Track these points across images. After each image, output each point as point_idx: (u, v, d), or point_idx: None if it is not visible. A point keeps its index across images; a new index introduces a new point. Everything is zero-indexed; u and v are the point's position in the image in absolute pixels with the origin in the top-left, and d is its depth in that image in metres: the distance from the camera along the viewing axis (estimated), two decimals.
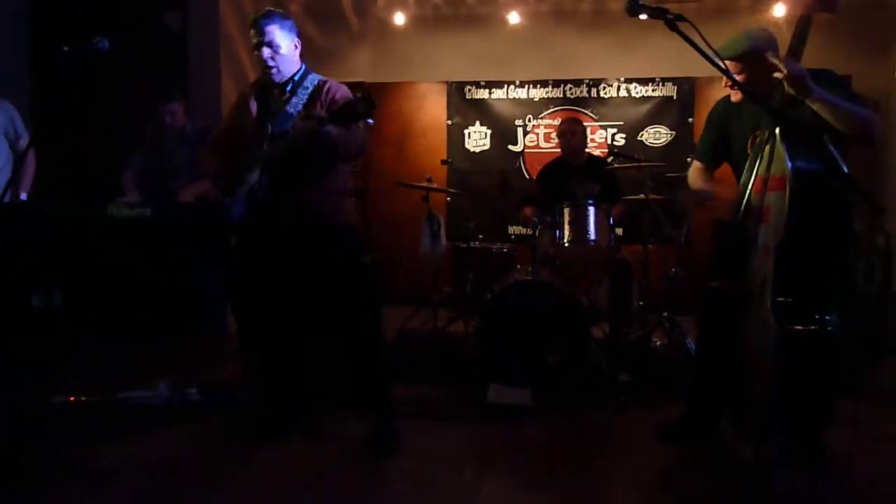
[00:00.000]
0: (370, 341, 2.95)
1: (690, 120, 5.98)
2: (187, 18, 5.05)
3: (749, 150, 2.68)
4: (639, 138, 6.04)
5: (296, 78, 2.85)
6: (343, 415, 3.24)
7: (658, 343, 4.21)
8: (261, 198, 2.79)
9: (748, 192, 2.51)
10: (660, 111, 6.02)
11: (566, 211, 3.85)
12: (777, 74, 2.39)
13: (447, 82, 6.22)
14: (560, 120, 5.93)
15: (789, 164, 2.38)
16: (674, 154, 5.90)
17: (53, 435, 3.00)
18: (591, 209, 3.83)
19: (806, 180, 2.34)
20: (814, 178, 2.35)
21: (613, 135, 6.07)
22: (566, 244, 3.84)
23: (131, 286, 4.38)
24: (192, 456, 2.85)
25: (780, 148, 2.42)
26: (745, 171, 2.60)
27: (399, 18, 6.00)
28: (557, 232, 3.85)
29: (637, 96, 6.04)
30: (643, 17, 2.08)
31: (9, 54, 5.05)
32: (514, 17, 5.94)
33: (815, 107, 2.38)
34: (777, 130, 2.44)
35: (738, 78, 2.60)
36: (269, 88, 2.89)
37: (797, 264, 2.39)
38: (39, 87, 5.16)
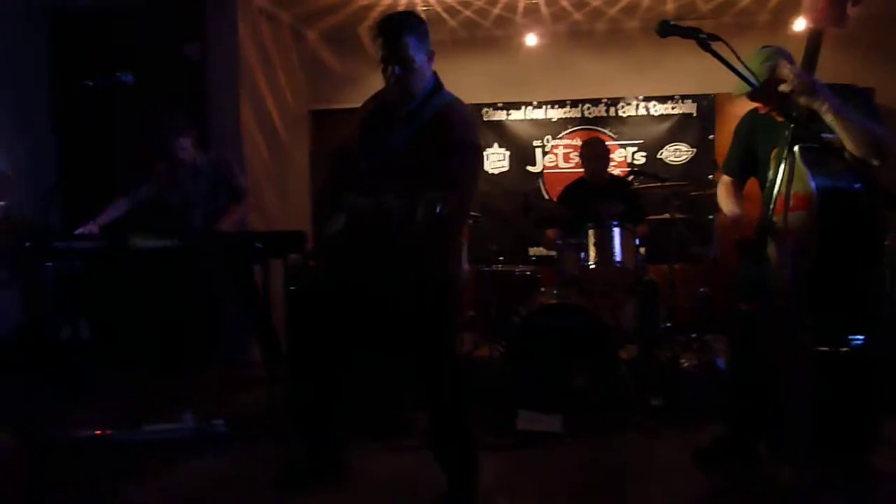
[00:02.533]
0: (452, 426, 2.56)
1: (711, 137, 5.92)
2: (206, 48, 5.09)
3: (770, 165, 2.64)
4: (659, 156, 5.98)
5: (418, 99, 2.36)
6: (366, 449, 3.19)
7: (687, 364, 4.14)
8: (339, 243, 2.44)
9: (770, 211, 2.46)
10: (680, 129, 5.97)
11: (591, 232, 3.82)
12: (783, 87, 2.35)
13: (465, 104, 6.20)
14: (580, 140, 5.96)
15: (812, 183, 2.33)
16: (695, 172, 5.83)
17: (80, 470, 2.98)
18: (616, 230, 3.79)
19: (831, 199, 2.29)
20: (839, 196, 2.31)
21: (633, 153, 6.03)
22: (592, 266, 3.79)
23: (154, 317, 4.40)
24: (221, 490, 2.81)
25: (801, 166, 2.38)
26: (765, 189, 2.55)
27: None
28: (583, 254, 3.81)
29: (656, 114, 5.99)
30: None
31: (30, 86, 5.12)
32: (530, 39, 5.95)
33: (827, 118, 2.33)
34: (796, 148, 2.40)
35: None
36: (387, 106, 2.44)
37: (829, 284, 2.34)
38: (60, 120, 5.22)
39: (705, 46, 1.95)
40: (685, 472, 2.89)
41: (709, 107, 5.92)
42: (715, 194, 4.77)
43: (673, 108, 5.97)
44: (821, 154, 2.38)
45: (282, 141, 5.80)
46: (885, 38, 5.42)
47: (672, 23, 1.96)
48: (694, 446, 3.02)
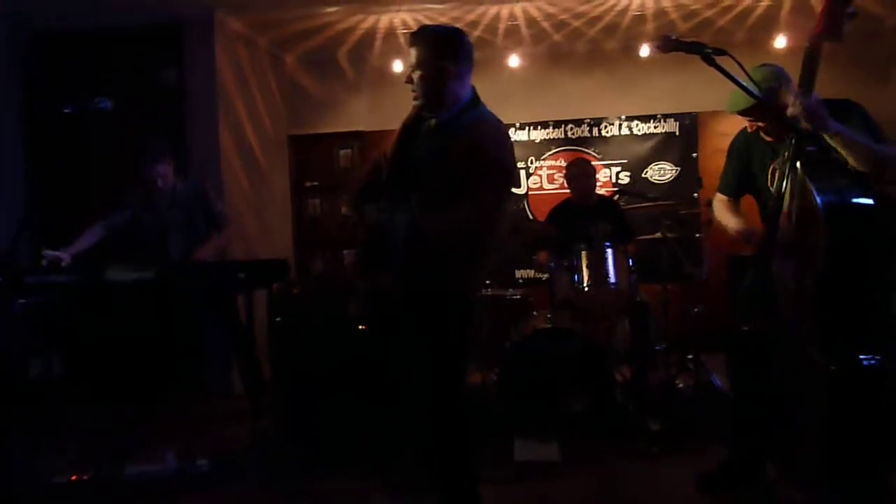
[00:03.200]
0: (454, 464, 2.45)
1: (695, 155, 5.92)
2: (184, 74, 4.99)
3: (768, 182, 2.60)
4: (643, 175, 5.97)
5: (450, 112, 2.32)
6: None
7: (683, 385, 4.07)
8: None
9: (774, 227, 2.41)
10: (663, 148, 5.96)
11: (584, 254, 3.74)
12: (791, 111, 2.31)
13: None
14: (563, 160, 5.93)
15: (818, 199, 2.28)
16: (679, 190, 5.82)
17: None
18: (610, 251, 3.72)
19: (838, 215, 2.24)
20: (846, 212, 2.26)
21: (617, 173, 6.00)
22: (585, 288, 3.71)
23: (131, 352, 4.23)
24: None
25: (805, 181, 2.33)
26: (768, 206, 2.50)
27: (396, 66, 5.98)
28: (576, 276, 3.73)
29: (639, 133, 5.99)
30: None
31: (4, 102, 4.94)
32: (512, 61, 5.92)
33: (832, 142, 2.30)
34: (798, 164, 2.35)
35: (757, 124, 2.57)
36: (420, 117, 2.40)
37: (840, 301, 2.28)
38: (32, 147, 5.05)
39: (709, 61, 1.90)
40: (691, 498, 2.80)
41: (691, 125, 5.93)
42: (700, 213, 4.78)
43: (655, 127, 5.98)
44: (824, 168, 2.34)
45: (261, 167, 5.68)
46: (864, 53, 5.47)
47: (674, 38, 1.91)
48: (698, 471, 2.93)
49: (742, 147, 2.84)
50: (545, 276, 5.60)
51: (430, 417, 2.43)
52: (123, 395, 4.22)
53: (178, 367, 4.30)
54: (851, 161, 2.30)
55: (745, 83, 2.04)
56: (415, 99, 2.33)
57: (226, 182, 4.99)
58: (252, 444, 3.47)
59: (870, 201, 2.26)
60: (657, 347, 4.16)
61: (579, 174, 4.49)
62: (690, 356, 4.07)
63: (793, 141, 2.35)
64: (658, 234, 4.13)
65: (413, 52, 2.29)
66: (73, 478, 3.17)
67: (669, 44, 1.95)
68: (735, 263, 5.07)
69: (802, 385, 2.36)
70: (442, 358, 2.36)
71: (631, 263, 3.79)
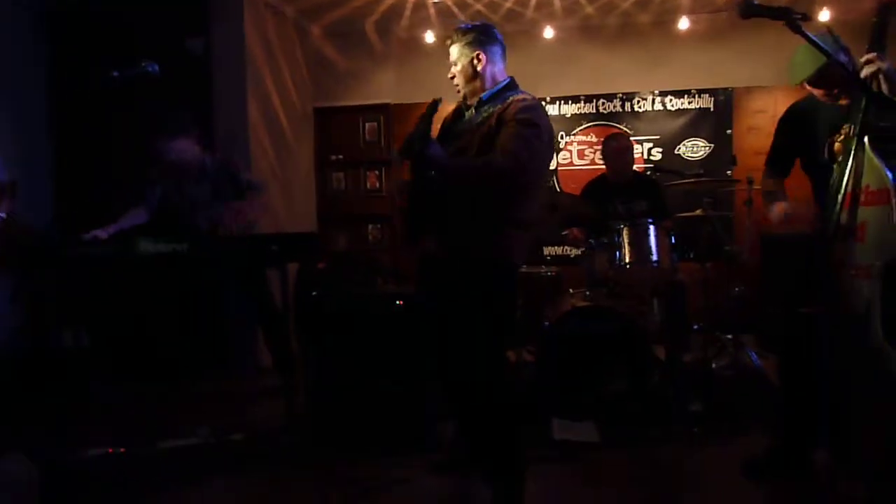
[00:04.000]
0: (498, 439, 2.44)
1: (729, 132, 5.77)
2: (210, 43, 4.88)
3: (825, 156, 2.49)
4: (676, 152, 5.83)
5: (489, 92, 2.49)
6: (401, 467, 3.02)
7: (722, 366, 3.99)
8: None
9: (837, 208, 2.30)
10: (697, 123, 5.81)
11: (625, 231, 3.64)
12: (866, 71, 2.20)
13: None
14: (594, 136, 5.81)
15: (890, 175, 2.18)
16: (712, 167, 5.68)
17: (95, 492, 2.78)
18: (652, 228, 3.62)
19: None
20: None
21: (650, 149, 5.87)
22: (627, 266, 3.62)
23: (161, 325, 4.20)
24: None
25: (873, 159, 2.23)
26: (830, 185, 2.39)
27: (424, 38, 5.85)
28: (617, 253, 3.63)
29: (672, 109, 5.84)
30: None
31: (26, 87, 4.87)
32: (543, 34, 5.78)
33: None
34: (865, 140, 2.25)
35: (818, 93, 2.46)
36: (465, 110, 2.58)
37: None
38: (56, 122, 4.99)
39: (795, 27, 1.79)
40: (737, 485, 2.73)
41: (726, 101, 5.77)
42: (733, 192, 4.65)
43: (689, 103, 5.82)
44: (893, 143, 2.24)
45: (287, 140, 5.60)
46: None
47: (756, 2, 1.79)
48: (743, 457, 2.87)
49: (794, 122, 2.73)
50: (575, 252, 5.53)
51: (474, 392, 2.42)
52: (152, 370, 4.21)
53: (207, 341, 4.28)
54: None
55: (828, 48, 1.92)
56: (458, 92, 2.55)
57: (253, 155, 4.91)
58: (286, 421, 3.43)
59: None
60: (694, 327, 4.08)
61: (616, 150, 4.37)
62: (729, 336, 3.99)
63: (860, 113, 2.24)
64: (698, 212, 4.03)
65: (451, 52, 2.52)
66: (109, 451, 3.15)
67: (751, 8, 1.84)
68: (770, 244, 4.97)
69: (863, 373, 2.27)
70: (484, 327, 2.38)
71: (672, 241, 3.68)
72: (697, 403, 3.44)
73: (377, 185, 6.20)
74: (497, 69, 2.52)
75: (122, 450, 3.15)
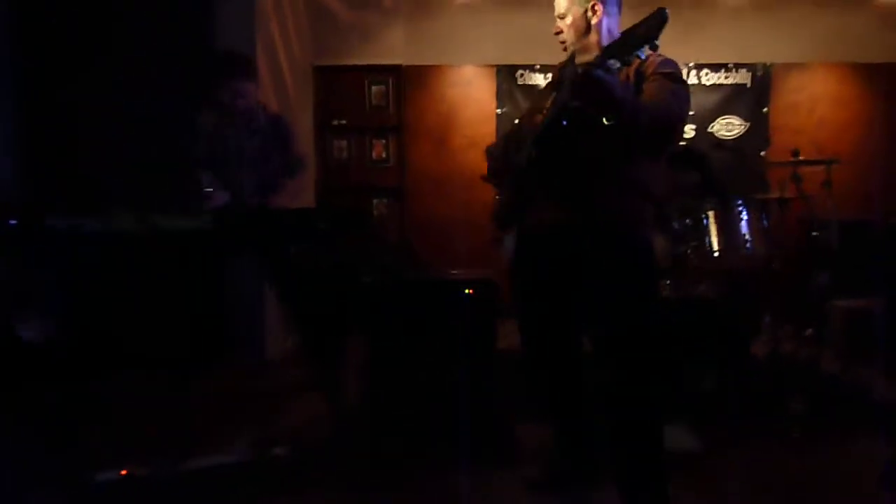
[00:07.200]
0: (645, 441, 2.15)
1: (766, 110, 5.42)
2: None
3: None
4: (709, 130, 5.45)
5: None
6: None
7: (823, 362, 3.67)
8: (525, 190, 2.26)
9: None
10: (732, 100, 5.44)
11: (712, 214, 3.23)
12: None
13: (496, 66, 5.50)
14: None
15: None
16: (747, 148, 5.34)
17: None
18: (744, 210, 3.22)
19: None
20: None
21: None
22: (716, 253, 3.21)
23: (163, 311, 3.58)
24: None
25: None
26: None
27: None
28: (707, 239, 3.21)
29: (708, 84, 5.44)
30: None
31: None
32: None
33: None
34: None
35: None
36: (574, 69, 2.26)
37: None
38: (28, 48, 4.20)
39: None
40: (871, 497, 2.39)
41: (764, 77, 5.41)
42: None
43: (726, 78, 5.45)
44: None
45: (290, 100, 4.96)
46: None
47: None
48: (862, 464, 2.58)
49: None
50: None
51: (619, 391, 2.14)
52: (143, 362, 3.59)
53: (209, 330, 3.69)
54: None
55: None
56: (564, 49, 2.29)
57: None
58: (334, 428, 2.90)
59: None
60: (766, 319, 3.76)
61: None
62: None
63: None
64: (776, 195, 3.66)
65: (557, 2, 2.25)
66: (123, 472, 2.55)
67: None
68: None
69: None
70: (633, 315, 2.12)
71: (766, 224, 3.29)
72: (799, 402, 3.09)
73: (383, 154, 5.62)
74: (613, 23, 2.28)
75: (138, 471, 2.56)
